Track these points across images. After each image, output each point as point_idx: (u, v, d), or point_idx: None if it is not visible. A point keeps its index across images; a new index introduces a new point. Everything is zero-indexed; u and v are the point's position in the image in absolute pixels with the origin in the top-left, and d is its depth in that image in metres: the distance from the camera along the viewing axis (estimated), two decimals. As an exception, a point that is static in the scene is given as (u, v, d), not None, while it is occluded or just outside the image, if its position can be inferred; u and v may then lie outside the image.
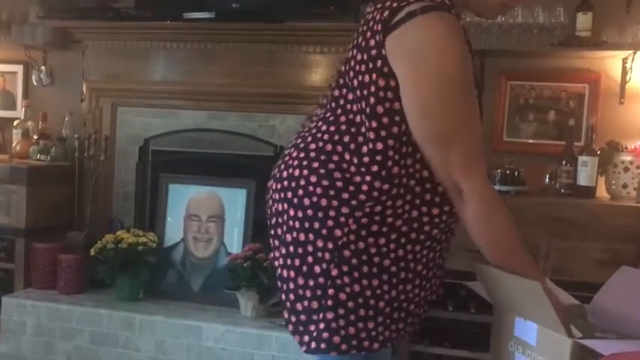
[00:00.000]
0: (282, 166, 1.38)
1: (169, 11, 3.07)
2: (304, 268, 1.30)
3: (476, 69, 1.53)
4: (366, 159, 1.27)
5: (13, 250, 3.08)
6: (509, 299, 1.39)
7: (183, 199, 3.06)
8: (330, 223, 1.27)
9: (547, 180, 2.72)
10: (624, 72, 2.76)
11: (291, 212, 1.32)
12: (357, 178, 1.27)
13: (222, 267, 2.90)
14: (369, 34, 1.28)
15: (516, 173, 2.63)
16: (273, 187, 1.39)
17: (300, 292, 1.31)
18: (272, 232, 1.42)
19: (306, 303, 1.30)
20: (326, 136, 1.32)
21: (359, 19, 2.85)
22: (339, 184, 1.28)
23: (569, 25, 2.71)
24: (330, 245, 1.27)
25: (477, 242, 1.31)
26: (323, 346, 1.26)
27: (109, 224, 3.16)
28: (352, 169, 1.28)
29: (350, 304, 1.26)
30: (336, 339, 1.26)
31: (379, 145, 1.26)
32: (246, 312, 2.74)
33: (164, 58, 3.20)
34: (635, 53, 2.66)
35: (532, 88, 2.89)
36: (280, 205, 1.36)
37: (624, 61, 2.74)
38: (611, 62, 2.80)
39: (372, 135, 1.26)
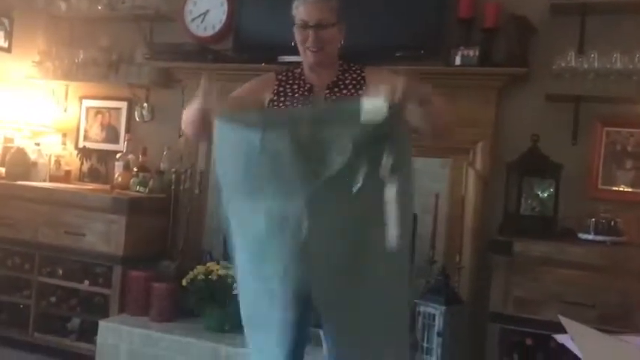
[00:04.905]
0: None
1: (264, 54, 3.21)
2: None
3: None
4: None
5: (110, 277, 3.27)
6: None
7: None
8: None
9: (646, 231, 2.61)
10: None
11: None
12: None
13: (307, 303, 2.94)
14: None
15: (613, 223, 2.55)
16: None
17: None
18: None
19: None
20: None
21: (449, 63, 2.90)
22: None
23: (671, 71, 2.61)
24: None
25: None
26: None
27: (200, 256, 3.29)
28: None
29: None
30: None
31: None
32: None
33: (258, 98, 3.33)
34: None
35: (630, 135, 2.79)
36: None
37: None
38: None
39: None
